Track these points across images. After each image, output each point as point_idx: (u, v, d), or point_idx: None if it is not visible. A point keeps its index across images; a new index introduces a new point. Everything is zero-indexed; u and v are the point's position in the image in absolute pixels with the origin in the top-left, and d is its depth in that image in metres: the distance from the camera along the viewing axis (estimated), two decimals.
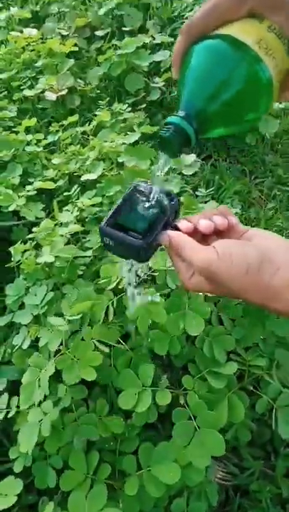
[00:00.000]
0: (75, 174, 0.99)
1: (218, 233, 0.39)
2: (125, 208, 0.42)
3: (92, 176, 0.89)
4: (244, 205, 1.08)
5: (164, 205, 0.42)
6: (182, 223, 0.40)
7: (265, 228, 1.00)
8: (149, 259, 0.42)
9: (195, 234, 0.39)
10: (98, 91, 1.34)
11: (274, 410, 0.66)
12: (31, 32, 1.54)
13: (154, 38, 1.35)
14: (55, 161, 1.06)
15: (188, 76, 0.36)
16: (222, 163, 1.17)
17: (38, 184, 0.94)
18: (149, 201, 0.42)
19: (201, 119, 0.35)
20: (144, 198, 0.43)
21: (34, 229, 0.82)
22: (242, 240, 0.38)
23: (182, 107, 0.36)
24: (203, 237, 0.40)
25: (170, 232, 0.40)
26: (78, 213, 0.81)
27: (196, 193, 0.97)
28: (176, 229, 0.40)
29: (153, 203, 0.42)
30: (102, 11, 1.51)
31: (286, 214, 1.07)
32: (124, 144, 0.93)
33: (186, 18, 1.44)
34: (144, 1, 1.55)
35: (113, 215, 0.41)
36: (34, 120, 1.14)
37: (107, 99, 1.25)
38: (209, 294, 0.73)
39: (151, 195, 0.42)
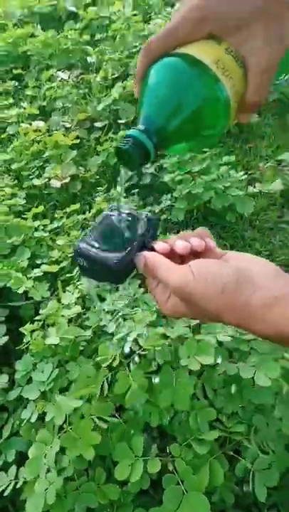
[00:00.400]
0: None
1: (196, 255, 0.39)
2: (101, 229, 0.42)
3: None
4: None
5: (140, 227, 0.42)
6: (158, 244, 0.40)
7: None
8: (123, 281, 0.41)
9: (173, 256, 0.39)
10: (97, 177, 1.53)
11: (251, 473, 0.74)
12: (39, 124, 1.78)
13: None
14: (60, 242, 1.22)
15: (148, 92, 0.36)
16: None
17: (45, 267, 1.08)
18: (125, 223, 0.42)
19: (159, 133, 0.36)
20: (121, 220, 0.43)
21: (41, 311, 0.94)
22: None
23: (142, 122, 0.36)
24: (180, 260, 0.39)
25: (146, 253, 0.39)
26: (79, 295, 0.94)
27: None
28: (153, 250, 0.40)
29: (129, 224, 0.42)
30: (100, 106, 1.75)
31: None
32: None
33: None
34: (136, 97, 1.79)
35: (88, 236, 0.41)
36: (41, 207, 1.31)
37: (106, 185, 1.43)
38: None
39: (128, 218, 0.42)
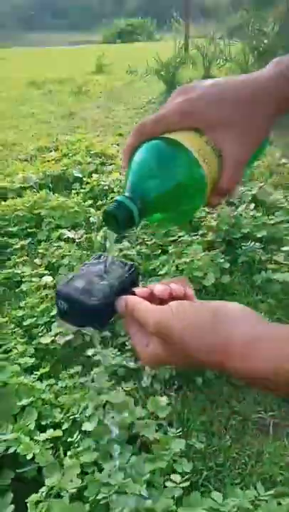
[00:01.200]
0: (77, 420, 1.31)
1: (174, 300, 0.41)
2: (83, 275, 0.45)
3: (89, 428, 1.22)
4: (208, 435, 1.39)
5: (121, 274, 0.45)
6: (138, 289, 0.43)
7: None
8: (103, 326, 0.44)
9: (152, 300, 0.42)
10: None
11: None
12: (47, 279, 2.10)
13: None
14: (62, 399, 1.41)
15: (137, 165, 0.42)
16: (190, 395, 1.52)
17: (50, 432, 1.26)
18: (106, 269, 0.45)
19: (143, 200, 0.40)
20: (103, 267, 0.46)
21: (46, 480, 1.09)
22: None
23: (128, 190, 0.41)
24: (160, 304, 0.41)
25: (126, 296, 0.42)
26: (80, 470, 1.10)
27: (169, 433, 1.28)
28: (133, 295, 0.43)
29: (110, 271, 0.45)
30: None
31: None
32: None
33: (160, 275, 2.00)
34: (130, 256, 2.16)
35: (71, 281, 0.44)
36: (48, 367, 1.53)
37: (103, 344, 1.68)
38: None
39: (109, 265, 0.46)
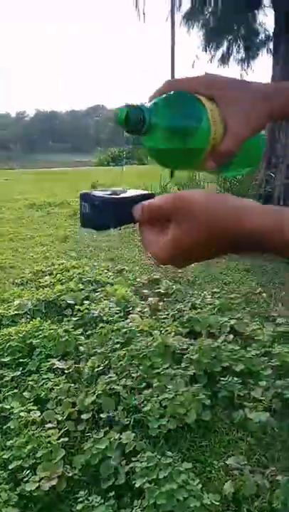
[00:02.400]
0: None
1: None
2: (104, 191, 0.52)
3: None
4: None
5: (139, 193, 0.51)
6: None
7: None
8: (120, 225, 0.49)
9: None
10: (80, 474, 1.81)
11: None
12: (35, 414, 2.17)
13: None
14: None
15: (161, 99, 0.51)
16: None
17: None
18: (124, 191, 0.52)
19: (156, 118, 0.48)
20: (120, 189, 0.52)
21: None
22: None
23: (147, 106, 0.50)
24: None
25: (142, 202, 0.46)
26: None
27: None
28: None
29: (131, 193, 0.51)
30: (86, 401, 2.19)
31: None
32: None
33: (144, 411, 2.10)
34: (115, 390, 2.28)
35: (93, 190, 0.51)
36: None
37: (86, 489, 1.70)
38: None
39: (130, 190, 0.52)
